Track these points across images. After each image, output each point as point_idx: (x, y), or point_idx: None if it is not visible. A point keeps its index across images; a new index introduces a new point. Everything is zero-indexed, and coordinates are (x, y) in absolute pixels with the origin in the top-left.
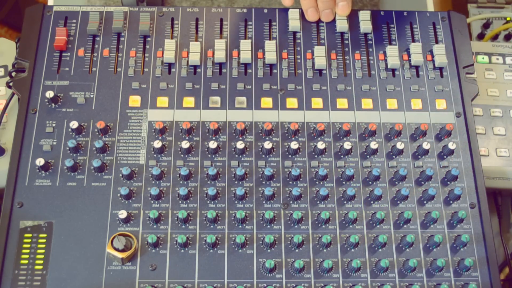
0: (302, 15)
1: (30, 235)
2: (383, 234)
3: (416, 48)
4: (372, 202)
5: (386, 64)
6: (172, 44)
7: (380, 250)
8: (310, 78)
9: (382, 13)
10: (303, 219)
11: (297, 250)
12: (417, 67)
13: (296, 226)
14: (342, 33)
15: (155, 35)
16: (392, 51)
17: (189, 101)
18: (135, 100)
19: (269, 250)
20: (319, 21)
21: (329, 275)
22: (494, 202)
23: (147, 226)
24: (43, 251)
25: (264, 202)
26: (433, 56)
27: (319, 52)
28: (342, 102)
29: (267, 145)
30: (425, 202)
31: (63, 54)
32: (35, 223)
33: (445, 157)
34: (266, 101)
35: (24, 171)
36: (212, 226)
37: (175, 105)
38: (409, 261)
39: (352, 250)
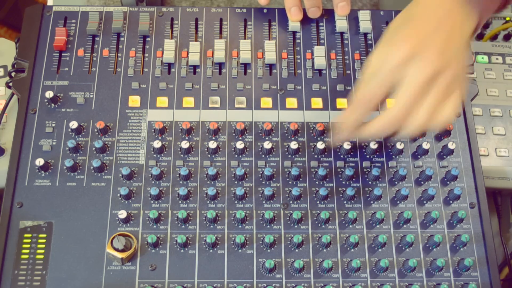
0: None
1: (29, 235)
2: (383, 234)
3: None
4: (372, 202)
5: None
6: (171, 44)
7: (380, 250)
8: (309, 78)
9: (382, 13)
10: (303, 219)
11: (297, 250)
12: None
13: (296, 226)
14: (342, 33)
15: (154, 35)
16: None
17: (188, 101)
18: (134, 100)
19: (269, 250)
20: (318, 21)
21: (329, 275)
22: (494, 202)
23: (147, 226)
24: (43, 251)
25: (264, 202)
26: None
27: (319, 52)
28: (341, 102)
29: (267, 145)
30: (425, 202)
31: (63, 54)
32: (34, 223)
33: (444, 157)
34: (266, 101)
35: (23, 171)
36: (212, 226)
37: (175, 105)
38: (409, 261)
39: (352, 250)
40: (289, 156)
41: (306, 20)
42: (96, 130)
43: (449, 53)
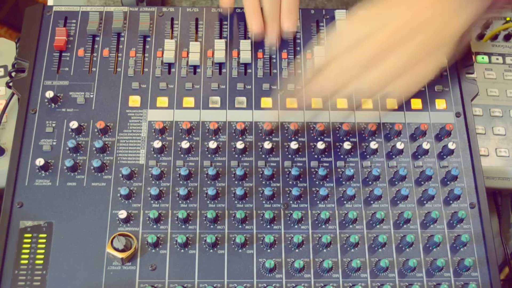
0: (302, 15)
1: (30, 235)
2: (383, 234)
3: None
4: (372, 202)
5: None
6: (172, 44)
7: (380, 250)
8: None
9: None
10: (303, 219)
11: (297, 250)
12: None
13: (296, 226)
14: None
15: (155, 35)
16: None
17: (189, 101)
18: (135, 100)
19: (269, 250)
20: (318, 21)
21: (329, 275)
22: (494, 202)
23: (147, 226)
24: (43, 251)
25: (264, 202)
26: None
27: (319, 52)
28: (342, 102)
29: (267, 145)
30: (425, 202)
31: (63, 54)
32: (35, 223)
33: (445, 157)
34: (266, 101)
35: (24, 171)
36: (212, 226)
37: (175, 105)
38: (409, 261)
39: (352, 250)
40: (289, 156)
41: (306, 20)
42: (96, 130)
43: (430, 10)
